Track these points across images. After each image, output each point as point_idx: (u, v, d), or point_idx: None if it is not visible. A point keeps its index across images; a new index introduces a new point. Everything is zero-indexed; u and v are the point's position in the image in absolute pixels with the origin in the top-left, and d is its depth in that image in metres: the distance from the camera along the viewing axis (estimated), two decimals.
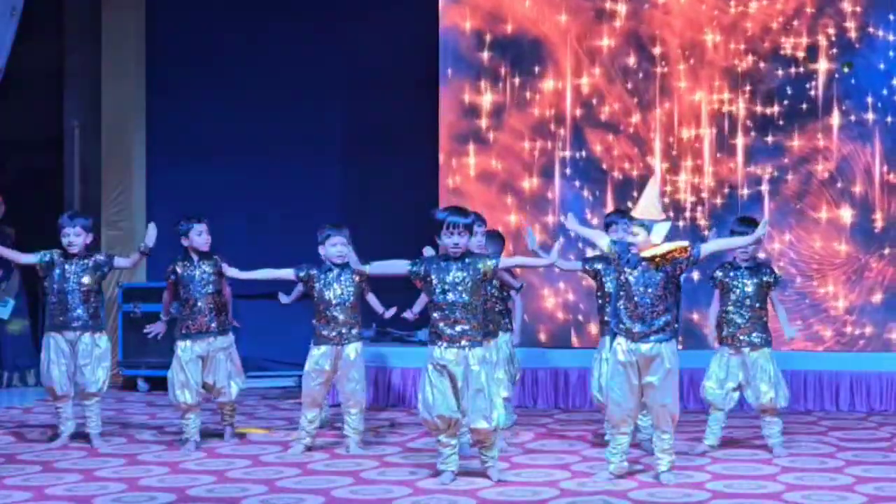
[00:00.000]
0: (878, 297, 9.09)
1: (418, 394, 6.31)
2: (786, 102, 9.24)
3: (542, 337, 9.47)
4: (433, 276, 6.22)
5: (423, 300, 6.79)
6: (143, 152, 11.01)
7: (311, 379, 7.12)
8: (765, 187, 9.25)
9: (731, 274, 7.11)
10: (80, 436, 7.43)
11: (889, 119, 9.10)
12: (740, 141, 9.31)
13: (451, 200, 9.55)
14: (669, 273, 6.17)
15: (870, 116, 9.12)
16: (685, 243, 6.22)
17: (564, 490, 6.02)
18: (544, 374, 9.08)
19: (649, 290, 6.16)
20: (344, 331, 7.09)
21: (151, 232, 7.44)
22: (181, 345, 7.40)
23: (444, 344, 6.19)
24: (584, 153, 9.57)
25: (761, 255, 7.67)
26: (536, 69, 9.65)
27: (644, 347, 6.16)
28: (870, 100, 9.12)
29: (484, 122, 9.72)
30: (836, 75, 9.12)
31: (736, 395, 7.10)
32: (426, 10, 9.89)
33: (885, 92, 9.12)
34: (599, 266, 7.17)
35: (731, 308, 7.07)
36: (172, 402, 7.40)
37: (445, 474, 6.20)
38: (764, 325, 7.08)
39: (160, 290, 8.48)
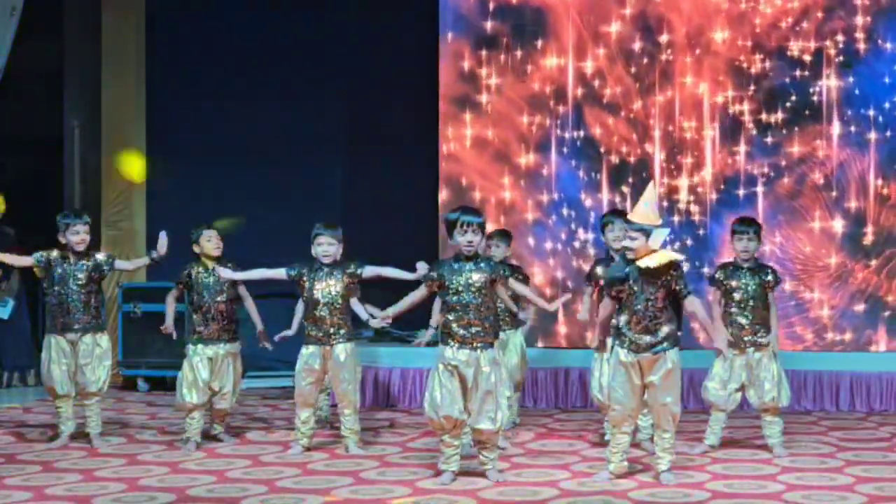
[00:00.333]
0: (860, 306, 9.10)
1: (425, 392, 6.30)
2: (787, 104, 9.22)
3: (543, 337, 9.47)
4: (447, 278, 6.23)
5: (405, 303, 6.63)
6: (143, 152, 11.01)
7: (302, 378, 7.13)
8: (759, 187, 9.23)
9: (734, 275, 7.10)
10: (80, 436, 7.43)
11: (888, 133, 9.08)
12: (739, 137, 9.29)
13: (452, 187, 9.57)
14: (667, 285, 6.15)
15: (870, 128, 9.10)
16: (679, 258, 6.22)
17: (564, 490, 6.02)
18: (544, 374, 9.08)
19: (650, 303, 6.14)
20: (332, 331, 7.07)
21: (162, 240, 7.47)
22: (192, 347, 7.42)
23: (457, 345, 6.19)
24: (582, 133, 9.55)
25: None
26: (539, 43, 9.60)
27: (646, 353, 6.16)
28: (871, 112, 9.09)
29: (482, 91, 9.68)
30: (841, 83, 9.08)
31: (738, 396, 7.10)
32: (426, 11, 9.89)
33: (886, 105, 9.08)
34: (599, 270, 7.16)
35: (734, 309, 7.07)
36: (178, 402, 7.40)
37: (446, 474, 6.20)
38: (767, 325, 7.08)
39: (160, 289, 8.49)
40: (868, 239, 9.09)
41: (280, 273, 7.14)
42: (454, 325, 6.20)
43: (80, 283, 7.34)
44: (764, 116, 9.26)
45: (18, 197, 10.54)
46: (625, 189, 9.39)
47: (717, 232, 9.25)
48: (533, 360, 8.96)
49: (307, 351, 7.12)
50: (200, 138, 10.76)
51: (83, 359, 7.34)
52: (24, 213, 10.35)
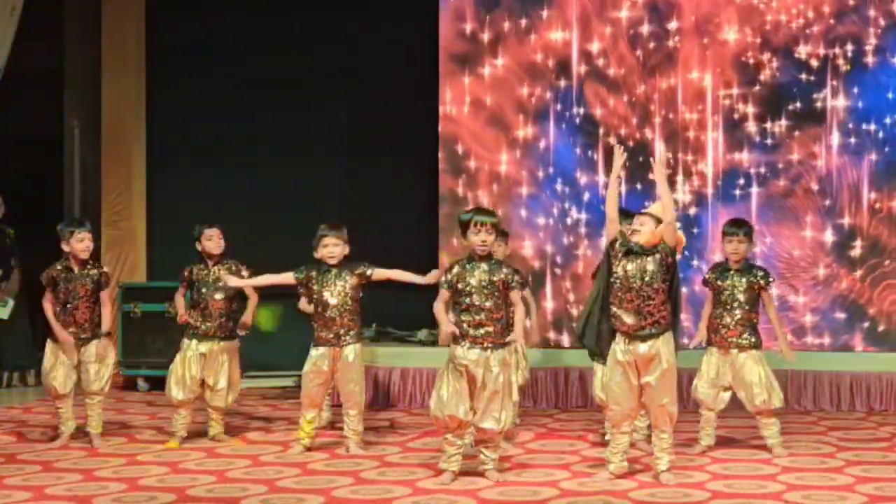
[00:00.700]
0: (840, 314, 9.10)
1: (433, 390, 6.31)
2: (789, 107, 9.18)
3: (543, 337, 9.47)
4: (458, 280, 6.23)
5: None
6: (143, 152, 11.01)
7: (310, 380, 7.12)
8: (754, 185, 9.21)
9: (722, 275, 7.11)
10: (81, 436, 7.43)
11: (887, 149, 9.05)
12: (738, 133, 9.26)
13: (448, 154, 9.57)
14: (661, 262, 6.18)
15: (869, 142, 9.06)
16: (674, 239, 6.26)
17: (564, 490, 6.02)
18: (544, 374, 9.08)
19: (645, 281, 6.18)
20: (342, 332, 7.07)
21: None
22: (186, 342, 7.47)
23: (467, 344, 6.20)
24: (581, 110, 9.52)
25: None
26: (544, 13, 9.57)
27: (642, 346, 6.17)
28: (872, 127, 9.07)
29: (483, 56, 9.66)
30: (845, 93, 9.05)
31: (727, 395, 7.09)
32: (427, 11, 9.89)
33: (887, 121, 9.05)
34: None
35: (720, 310, 7.08)
36: (166, 397, 7.45)
37: (446, 474, 6.20)
38: (753, 326, 7.06)
39: (160, 289, 8.53)
40: (856, 251, 9.06)
41: (288, 277, 7.14)
42: (465, 325, 6.21)
43: (86, 294, 7.32)
44: (765, 115, 9.23)
45: (18, 197, 10.54)
46: (621, 172, 9.29)
47: (707, 224, 9.24)
48: (533, 360, 8.97)
49: (316, 352, 7.10)
50: (200, 138, 10.76)
51: (85, 358, 7.34)
52: (25, 213, 10.36)
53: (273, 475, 6.42)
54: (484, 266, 6.26)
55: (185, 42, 10.87)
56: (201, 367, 7.45)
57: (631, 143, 9.36)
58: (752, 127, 9.26)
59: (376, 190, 10.64)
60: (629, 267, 6.22)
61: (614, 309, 6.24)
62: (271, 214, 10.49)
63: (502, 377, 6.19)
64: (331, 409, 7.99)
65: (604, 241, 8.90)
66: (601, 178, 9.43)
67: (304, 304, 7.59)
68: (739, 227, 7.16)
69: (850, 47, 9.09)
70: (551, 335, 9.46)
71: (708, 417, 7.08)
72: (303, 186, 10.57)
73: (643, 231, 6.25)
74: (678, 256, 6.35)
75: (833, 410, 8.68)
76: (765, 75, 9.24)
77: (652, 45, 9.42)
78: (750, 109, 9.26)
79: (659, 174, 6.35)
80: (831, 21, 9.13)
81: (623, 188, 9.18)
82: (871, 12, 9.07)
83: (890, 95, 9.06)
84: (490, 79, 9.69)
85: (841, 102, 9.11)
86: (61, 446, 7.30)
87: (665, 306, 6.21)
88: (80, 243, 7.29)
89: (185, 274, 7.56)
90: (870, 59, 9.09)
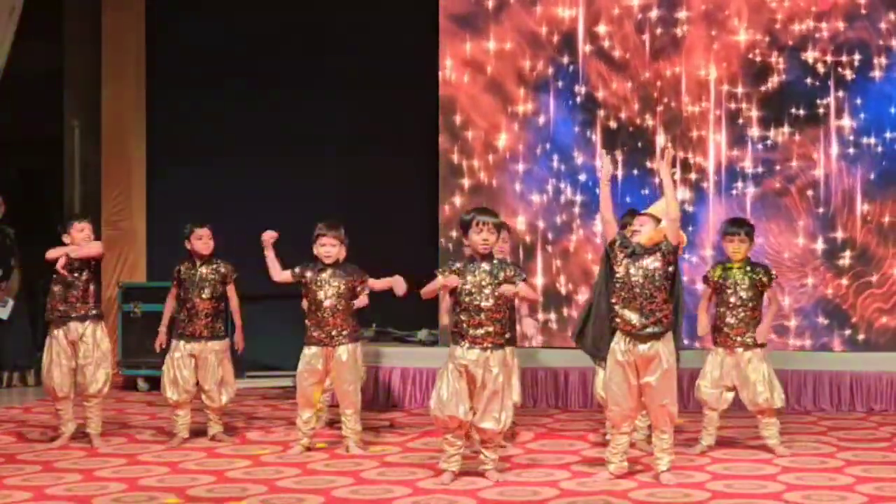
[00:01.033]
0: (822, 319, 9.08)
1: (433, 390, 6.30)
2: (791, 110, 9.15)
3: (544, 336, 9.47)
4: (461, 278, 6.23)
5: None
6: (143, 152, 11.01)
7: (304, 379, 7.13)
8: (750, 184, 9.18)
9: (725, 274, 7.11)
10: (81, 436, 7.43)
11: (884, 163, 9.02)
12: (738, 129, 9.23)
13: (448, 125, 9.57)
14: (663, 261, 6.18)
15: (868, 155, 9.04)
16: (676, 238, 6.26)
17: (564, 490, 6.02)
18: (544, 373, 9.08)
19: (647, 281, 6.18)
20: (334, 332, 7.07)
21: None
22: (174, 343, 7.51)
23: (467, 344, 6.20)
24: (583, 89, 9.48)
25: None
26: None
27: (642, 347, 6.18)
28: (872, 140, 9.04)
29: (488, 25, 9.59)
30: (848, 103, 9.03)
31: (730, 395, 7.10)
32: (427, 12, 9.90)
33: (887, 135, 9.02)
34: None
35: (723, 309, 7.08)
36: (164, 398, 7.50)
37: (446, 474, 6.20)
38: (757, 325, 7.07)
39: (160, 289, 8.49)
40: (844, 260, 9.04)
41: (286, 276, 7.14)
42: (465, 325, 6.21)
43: (81, 276, 7.37)
44: (767, 116, 9.19)
45: (18, 197, 10.55)
46: (618, 155, 9.33)
47: (700, 218, 9.23)
48: (533, 360, 8.98)
49: (309, 352, 7.11)
50: (200, 138, 10.77)
51: (83, 360, 7.35)
52: (24, 213, 10.36)
53: (273, 475, 6.43)
54: (485, 266, 6.26)
55: (185, 42, 10.87)
56: (194, 367, 7.46)
57: (630, 129, 9.35)
58: (752, 125, 9.22)
59: (376, 190, 10.63)
60: (631, 267, 6.22)
61: (618, 309, 6.23)
62: (271, 214, 10.47)
63: (502, 377, 6.19)
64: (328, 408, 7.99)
65: (597, 223, 8.95)
66: (598, 161, 9.33)
67: (305, 304, 7.59)
68: (740, 226, 7.16)
69: (857, 57, 9.03)
70: (539, 316, 9.38)
71: (711, 417, 7.08)
72: (303, 186, 10.57)
73: (643, 231, 6.26)
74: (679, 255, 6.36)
75: (833, 410, 8.68)
76: (770, 75, 9.18)
77: (659, 30, 9.33)
78: (752, 110, 9.21)
79: (664, 173, 6.32)
80: (841, 26, 9.06)
81: (620, 173, 9.20)
82: (882, 25, 9.01)
83: (893, 110, 9.01)
84: (493, 50, 9.58)
85: (844, 111, 9.05)
86: (61, 446, 7.30)
87: (667, 305, 6.21)
88: (80, 233, 7.35)
89: (175, 273, 7.58)
90: (877, 74, 9.03)
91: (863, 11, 9.06)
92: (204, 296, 7.48)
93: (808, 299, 9.10)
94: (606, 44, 9.44)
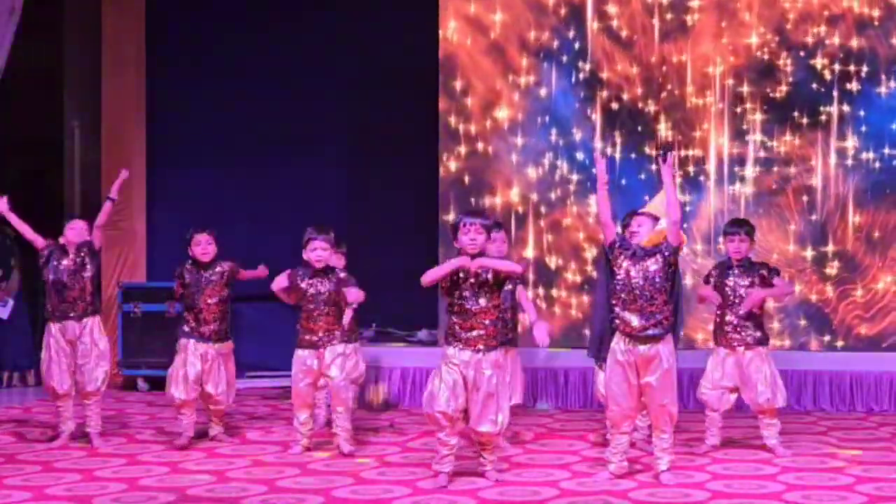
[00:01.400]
0: (803, 321, 9.08)
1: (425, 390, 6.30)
2: (794, 113, 9.13)
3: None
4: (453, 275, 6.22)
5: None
6: (143, 152, 11.00)
7: (299, 380, 7.17)
8: (748, 182, 9.18)
9: (725, 274, 7.11)
10: (80, 436, 7.43)
11: (882, 177, 9.00)
12: (738, 128, 9.21)
13: (448, 92, 9.56)
14: (664, 263, 6.18)
15: (865, 168, 9.03)
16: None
17: (564, 490, 6.02)
18: (544, 373, 9.07)
19: (647, 283, 6.17)
20: (323, 335, 7.10)
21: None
22: (184, 342, 7.48)
23: (460, 345, 6.19)
24: (588, 66, 9.42)
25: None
26: None
27: (642, 347, 6.17)
28: (871, 155, 9.02)
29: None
30: (851, 114, 9.00)
31: (732, 396, 7.10)
32: (428, 11, 9.89)
33: (886, 150, 9.01)
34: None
35: (725, 308, 7.07)
36: (168, 398, 7.47)
37: (441, 476, 6.18)
38: (758, 323, 7.07)
39: (160, 290, 8.53)
40: (832, 268, 9.04)
41: (283, 280, 7.14)
42: (457, 327, 6.20)
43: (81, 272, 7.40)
44: (768, 116, 9.19)
45: (18, 197, 10.52)
46: (617, 137, 9.32)
47: (700, 206, 9.22)
48: (533, 360, 8.97)
49: (302, 353, 7.15)
50: (200, 138, 10.75)
51: (81, 359, 7.37)
52: (25, 213, 10.33)
53: (273, 475, 6.42)
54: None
55: (185, 42, 10.86)
56: (201, 368, 7.46)
57: (631, 112, 9.31)
58: (754, 123, 9.20)
59: (376, 189, 10.63)
60: (632, 269, 6.21)
61: (618, 311, 6.22)
62: (271, 215, 10.48)
63: (496, 379, 6.17)
64: (328, 408, 7.99)
65: (591, 202, 8.92)
66: (597, 141, 9.32)
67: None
68: (740, 226, 7.17)
69: (865, 68, 8.99)
70: (529, 292, 9.35)
71: (713, 418, 7.08)
72: (303, 186, 10.57)
73: (642, 232, 6.25)
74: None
75: (833, 410, 8.68)
76: (776, 75, 9.14)
77: (669, 15, 9.27)
78: (756, 109, 9.18)
79: (667, 175, 6.31)
80: (852, 34, 9.00)
81: (617, 155, 9.18)
82: (894, 40, 8.97)
83: (894, 126, 9.00)
84: (496, 24, 9.52)
85: (845, 123, 9.03)
86: (61, 446, 7.30)
87: (667, 306, 6.20)
88: (70, 230, 7.46)
89: (178, 275, 7.56)
90: (882, 90, 9.00)
91: (875, 24, 9.02)
92: (210, 301, 7.49)
93: (789, 303, 9.05)
94: (615, 23, 9.37)
